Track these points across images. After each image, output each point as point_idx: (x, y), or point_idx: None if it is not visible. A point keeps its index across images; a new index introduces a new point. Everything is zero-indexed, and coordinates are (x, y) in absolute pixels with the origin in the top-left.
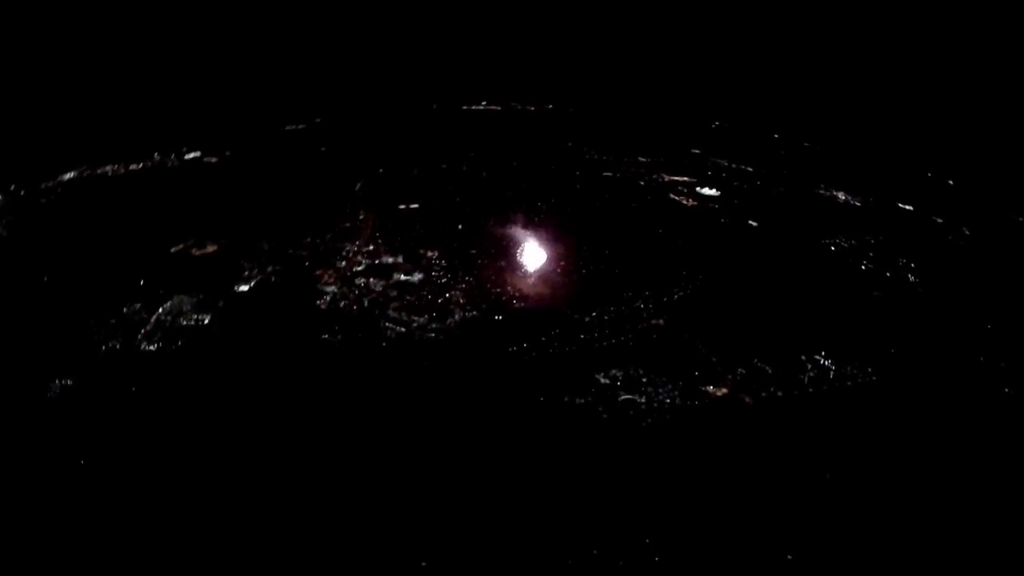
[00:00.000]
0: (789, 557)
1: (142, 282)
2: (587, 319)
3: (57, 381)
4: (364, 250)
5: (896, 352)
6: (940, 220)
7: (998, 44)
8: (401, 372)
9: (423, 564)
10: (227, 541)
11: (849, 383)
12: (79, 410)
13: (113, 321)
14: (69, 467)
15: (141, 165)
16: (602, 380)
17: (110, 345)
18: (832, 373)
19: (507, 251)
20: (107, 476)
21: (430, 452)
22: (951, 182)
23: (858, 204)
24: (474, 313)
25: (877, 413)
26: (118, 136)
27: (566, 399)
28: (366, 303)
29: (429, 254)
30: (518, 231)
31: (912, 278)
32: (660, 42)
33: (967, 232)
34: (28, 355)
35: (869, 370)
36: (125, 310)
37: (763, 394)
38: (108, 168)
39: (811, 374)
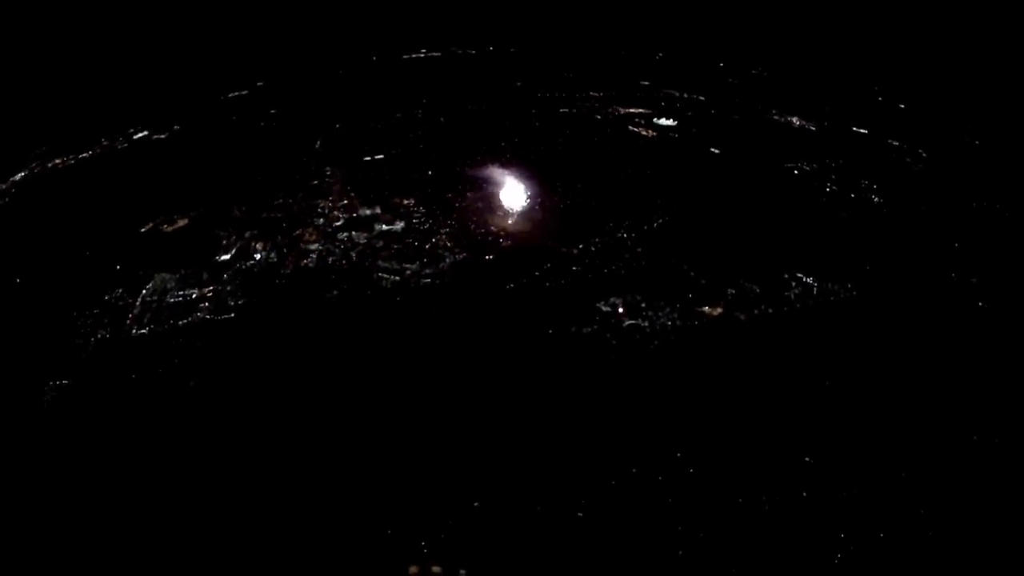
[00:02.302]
0: (807, 459)
1: (119, 267)
2: (575, 252)
3: (51, 381)
4: (339, 205)
5: (872, 269)
6: (896, 143)
7: None
8: (407, 318)
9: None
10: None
11: (832, 298)
12: (81, 406)
13: (97, 310)
14: (81, 466)
15: (90, 152)
16: (604, 308)
17: (99, 335)
18: (815, 290)
19: (483, 193)
20: (127, 464)
21: (455, 390)
22: (902, 106)
23: (813, 129)
24: (464, 255)
25: (863, 325)
26: (55, 127)
27: (573, 329)
28: (354, 256)
29: (406, 202)
30: (489, 172)
31: (876, 199)
32: None
33: (923, 154)
34: (18, 353)
35: (849, 286)
36: (107, 297)
37: (755, 311)
38: (58, 161)
39: (796, 291)
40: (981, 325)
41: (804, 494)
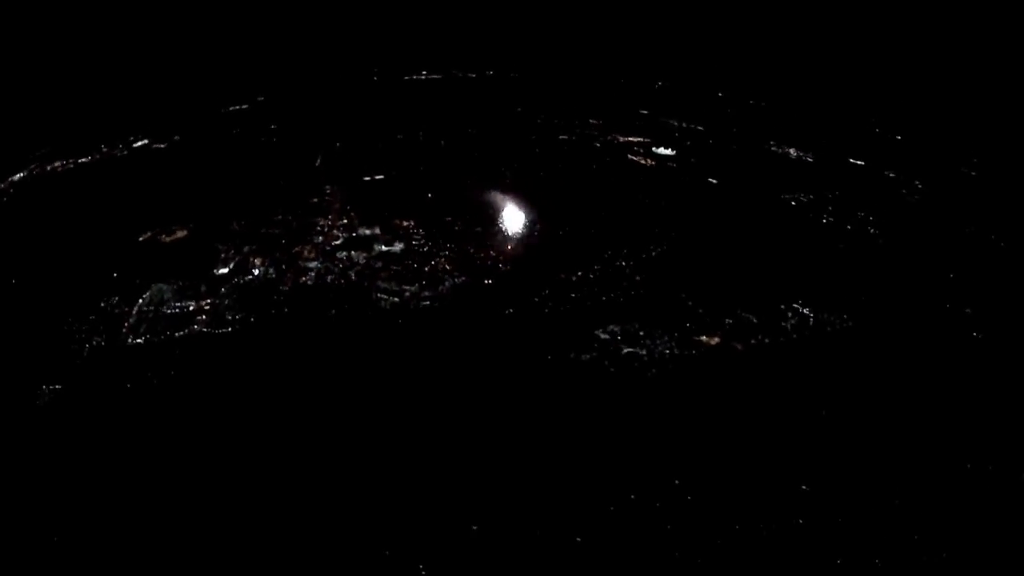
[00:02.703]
0: (804, 488)
1: (115, 274)
2: (574, 278)
3: (46, 387)
4: (339, 224)
5: (868, 299)
6: (892, 174)
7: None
8: (405, 339)
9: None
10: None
11: (828, 328)
12: (74, 411)
13: (93, 317)
14: (73, 469)
15: (90, 158)
16: (602, 335)
17: (94, 341)
18: (811, 320)
19: (482, 217)
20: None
21: (453, 412)
22: (899, 137)
23: (810, 160)
24: (463, 278)
25: (858, 355)
26: (57, 131)
27: (572, 355)
28: (353, 276)
29: (405, 224)
30: (489, 197)
31: (872, 230)
32: (594, 5)
33: (919, 185)
34: (11, 355)
35: (845, 316)
36: (103, 304)
37: (752, 341)
38: (58, 164)
39: (792, 322)
40: (976, 355)
41: (800, 521)
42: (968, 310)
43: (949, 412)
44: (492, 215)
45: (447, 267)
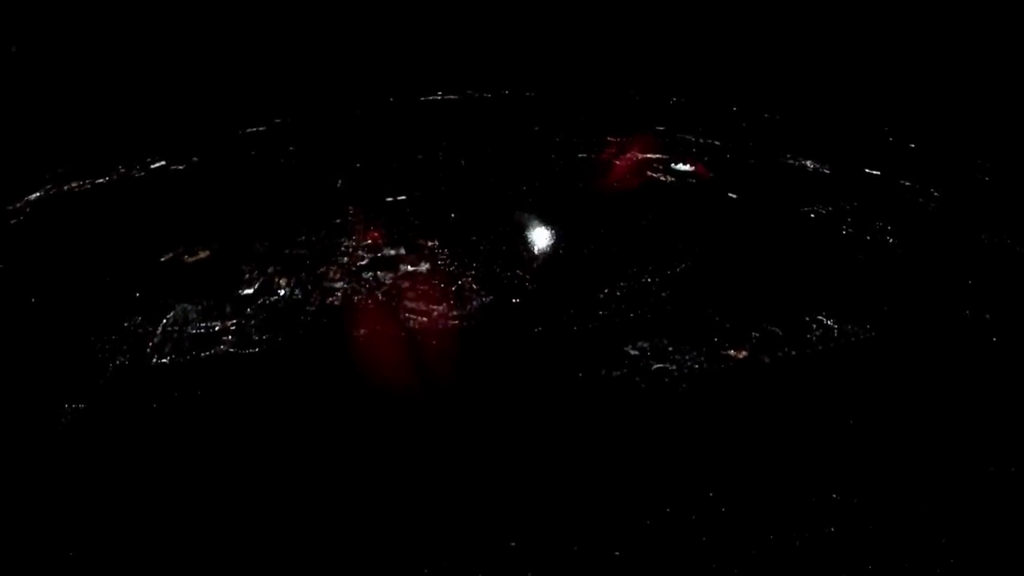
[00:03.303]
0: (834, 496)
1: (138, 294)
2: (600, 296)
3: (68, 405)
4: (363, 244)
5: (889, 309)
6: (908, 183)
7: (945, 8)
8: (435, 359)
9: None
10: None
11: (852, 339)
12: (97, 430)
13: (115, 336)
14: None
15: (107, 178)
16: (632, 352)
17: (118, 361)
18: (836, 331)
19: (506, 236)
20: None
21: (488, 429)
22: (912, 145)
23: (827, 172)
24: (490, 298)
25: (882, 364)
26: (72, 150)
27: (603, 371)
28: (380, 296)
29: (430, 244)
30: (511, 216)
31: (891, 240)
32: (603, 22)
33: (936, 193)
34: (36, 380)
35: (868, 326)
36: (126, 324)
37: (779, 354)
38: (74, 184)
39: (817, 333)
40: (994, 360)
41: (832, 529)
42: (988, 316)
43: (971, 415)
44: (516, 234)
45: (473, 286)
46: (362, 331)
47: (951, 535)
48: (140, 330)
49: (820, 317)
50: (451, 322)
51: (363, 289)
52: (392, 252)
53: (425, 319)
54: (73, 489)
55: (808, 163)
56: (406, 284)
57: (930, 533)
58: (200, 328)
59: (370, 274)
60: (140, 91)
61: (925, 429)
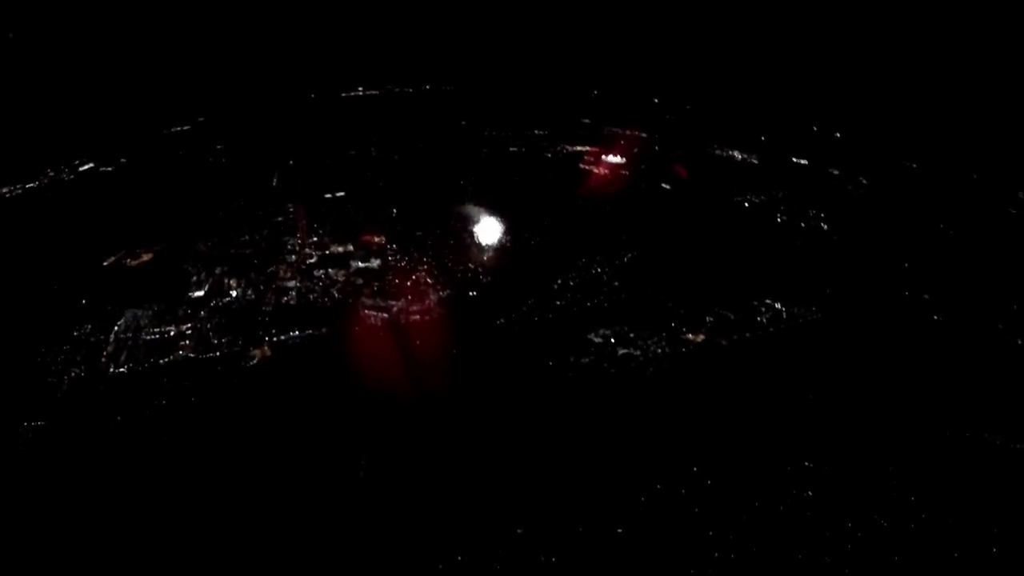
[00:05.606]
0: (807, 463)
1: (84, 301)
2: (554, 286)
3: (27, 424)
4: (310, 242)
5: (832, 292)
6: (836, 171)
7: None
8: (403, 353)
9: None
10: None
11: (801, 320)
12: (60, 448)
13: (67, 347)
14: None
15: (37, 183)
16: (595, 339)
17: (73, 372)
18: (784, 314)
19: (451, 230)
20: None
21: (465, 417)
22: (838, 135)
23: (755, 162)
24: (448, 291)
25: (832, 343)
26: None
27: (571, 359)
28: (336, 294)
29: (377, 239)
30: (454, 210)
31: (825, 227)
32: (521, 16)
33: (864, 181)
34: None
35: (813, 308)
36: (77, 333)
37: (735, 336)
38: (5, 190)
39: (767, 316)
40: (937, 336)
41: (809, 493)
42: (926, 296)
43: (920, 386)
44: (461, 228)
45: (429, 280)
46: (324, 330)
47: (914, 491)
48: (92, 339)
49: (768, 301)
50: (412, 317)
51: (317, 287)
52: (340, 249)
53: (385, 315)
54: (39, 510)
55: (736, 153)
56: (360, 281)
57: (896, 490)
58: (154, 334)
59: (321, 272)
60: (58, 92)
61: (879, 399)
